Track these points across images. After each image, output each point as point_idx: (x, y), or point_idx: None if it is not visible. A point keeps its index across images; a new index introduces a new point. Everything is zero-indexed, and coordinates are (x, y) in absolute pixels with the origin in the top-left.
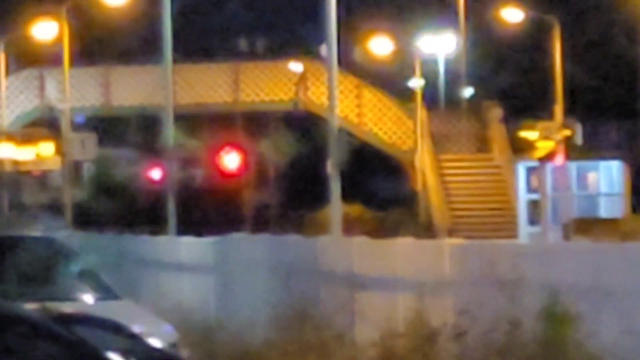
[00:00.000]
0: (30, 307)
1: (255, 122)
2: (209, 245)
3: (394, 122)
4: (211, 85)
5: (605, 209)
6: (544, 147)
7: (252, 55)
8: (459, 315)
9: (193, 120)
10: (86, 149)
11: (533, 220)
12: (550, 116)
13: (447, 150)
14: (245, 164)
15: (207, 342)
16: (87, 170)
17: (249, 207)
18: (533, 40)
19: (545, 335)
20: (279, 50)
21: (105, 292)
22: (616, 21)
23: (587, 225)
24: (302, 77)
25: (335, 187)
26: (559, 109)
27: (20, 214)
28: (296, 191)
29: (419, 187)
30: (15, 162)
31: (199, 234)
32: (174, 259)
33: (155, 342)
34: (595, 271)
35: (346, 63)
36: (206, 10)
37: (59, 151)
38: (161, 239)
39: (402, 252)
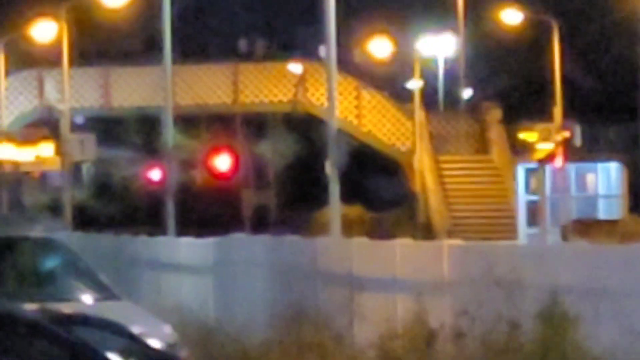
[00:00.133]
0: (29, 307)
1: (254, 123)
2: (208, 246)
3: (393, 123)
4: (210, 86)
5: (604, 211)
6: (543, 148)
7: (251, 56)
8: (458, 316)
9: (192, 121)
10: (85, 149)
11: (532, 222)
12: (549, 118)
13: (446, 151)
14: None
15: (206, 342)
16: (87, 171)
17: (248, 208)
18: (532, 41)
19: (544, 336)
20: (279, 51)
21: (105, 293)
22: (615, 23)
23: (586, 226)
24: (302, 79)
25: (334, 188)
26: (557, 110)
27: (20, 214)
28: (295, 192)
29: (417, 188)
30: (15, 163)
31: (198, 234)
32: (173, 260)
33: (154, 343)
34: (594, 272)
35: (345, 64)
36: (206, 11)
37: (59, 152)
38: (160, 240)
39: (401, 253)
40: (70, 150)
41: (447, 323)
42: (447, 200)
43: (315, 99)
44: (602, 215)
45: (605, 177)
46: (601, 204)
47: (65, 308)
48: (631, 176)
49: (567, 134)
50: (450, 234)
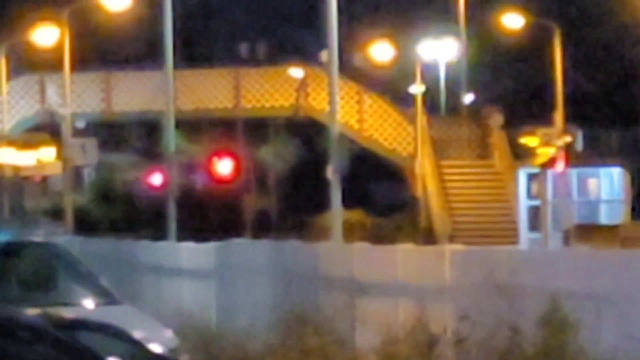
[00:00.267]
0: (31, 312)
1: (256, 128)
2: (209, 250)
3: (394, 128)
4: (212, 90)
5: (606, 216)
6: (544, 153)
7: (253, 61)
8: (459, 321)
9: (194, 126)
10: (87, 154)
11: (534, 227)
12: (550, 122)
13: (448, 156)
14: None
15: (207, 347)
16: (88, 175)
17: (249, 213)
18: (533, 46)
19: (545, 341)
20: (280, 56)
21: (106, 297)
22: (617, 27)
23: (588, 231)
24: (303, 83)
25: (335, 193)
26: (559, 115)
27: (21, 219)
28: (297, 197)
29: (419, 193)
30: (16, 167)
31: (199, 239)
32: (174, 264)
33: (156, 348)
34: (595, 277)
35: (347, 69)
36: (207, 16)
37: (60, 156)
38: (162, 244)
39: (402, 258)
40: (72, 154)
41: (449, 328)
42: (448, 205)
43: (317, 103)
44: (604, 220)
45: (607, 182)
46: (603, 209)
47: (67, 313)
48: (633, 181)
49: (568, 138)
50: (452, 238)
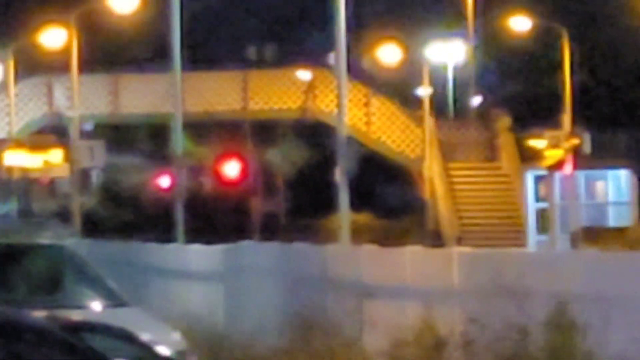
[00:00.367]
0: (38, 314)
1: (264, 130)
2: (217, 253)
3: (402, 130)
4: (220, 93)
5: (614, 218)
6: (552, 155)
7: (261, 63)
8: (467, 323)
9: (201, 128)
10: (95, 156)
11: (541, 229)
12: (558, 125)
13: (456, 158)
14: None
15: (215, 349)
16: (96, 177)
17: (257, 215)
18: (541, 48)
19: (553, 344)
20: (288, 58)
21: (114, 300)
22: (625, 30)
23: (595, 234)
24: (311, 86)
25: (343, 195)
26: (567, 117)
27: (29, 221)
28: (305, 199)
29: (427, 195)
30: (24, 169)
31: (207, 241)
32: (182, 267)
33: (164, 350)
34: (603, 280)
35: (355, 71)
36: (215, 19)
37: (68, 158)
38: (169, 247)
39: (410, 260)
40: (80, 157)
41: (457, 330)
42: (456, 207)
43: (325, 105)
44: (611, 222)
45: (615, 185)
46: (611, 211)
47: (74, 315)
48: None
49: (576, 141)
50: (460, 241)
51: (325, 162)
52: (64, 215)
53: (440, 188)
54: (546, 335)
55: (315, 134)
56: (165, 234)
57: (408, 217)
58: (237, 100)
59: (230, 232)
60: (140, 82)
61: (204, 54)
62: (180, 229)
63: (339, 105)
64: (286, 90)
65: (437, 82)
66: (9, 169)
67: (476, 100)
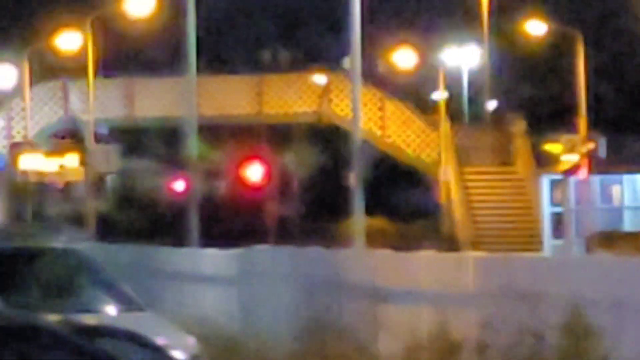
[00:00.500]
0: (52, 318)
1: (278, 134)
2: (231, 257)
3: (417, 134)
4: (234, 97)
5: (629, 222)
6: (568, 160)
7: (275, 67)
8: (482, 328)
9: (216, 132)
10: (109, 160)
11: (557, 233)
12: (574, 129)
13: (471, 163)
14: (268, 176)
15: (229, 354)
16: (111, 181)
17: (271, 219)
18: (556, 53)
19: (568, 348)
20: (303, 62)
21: (128, 304)
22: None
23: (611, 238)
24: (326, 90)
25: (358, 200)
26: (582, 122)
27: (43, 224)
28: (319, 203)
29: (442, 199)
30: (40, 173)
31: (221, 245)
32: (196, 271)
33: (179, 355)
34: (617, 285)
35: (370, 75)
36: (230, 22)
37: (83, 162)
38: (184, 251)
39: (425, 264)
40: (95, 161)
41: (471, 335)
42: (471, 211)
43: (340, 110)
44: (627, 227)
45: (631, 189)
46: (627, 216)
47: (89, 319)
48: None
49: (591, 145)
50: (475, 245)
51: (340, 166)
52: (78, 219)
53: (455, 192)
54: (561, 340)
55: (330, 138)
56: (179, 238)
57: (423, 221)
58: (251, 104)
59: (244, 236)
60: (156, 86)
61: (219, 58)
62: (194, 233)
63: (354, 110)
64: (301, 95)
65: (453, 86)
66: (25, 173)
67: (491, 105)
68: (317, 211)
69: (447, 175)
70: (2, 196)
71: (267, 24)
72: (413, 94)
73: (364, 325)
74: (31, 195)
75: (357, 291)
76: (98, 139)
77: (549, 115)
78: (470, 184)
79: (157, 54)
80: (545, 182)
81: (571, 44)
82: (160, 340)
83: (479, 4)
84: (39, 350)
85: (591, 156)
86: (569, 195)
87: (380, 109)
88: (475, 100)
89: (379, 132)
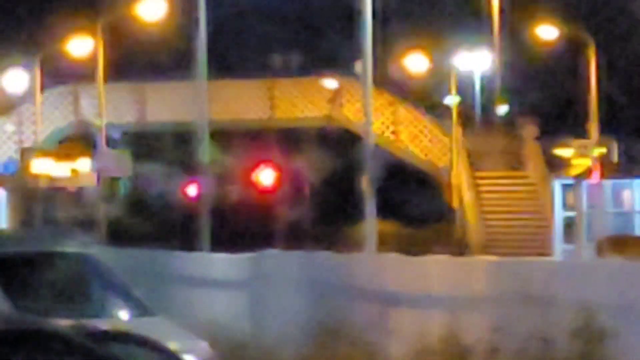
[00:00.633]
0: (64, 323)
1: (289, 139)
2: (242, 261)
3: (429, 139)
4: (246, 101)
5: None
6: (579, 164)
7: (286, 71)
8: (493, 332)
9: (227, 137)
10: (121, 165)
11: (569, 238)
12: (585, 133)
13: (482, 167)
14: (280, 180)
15: (240, 358)
16: (123, 186)
17: (282, 224)
18: (568, 57)
19: (578, 352)
20: (314, 66)
21: (140, 309)
22: None
23: (622, 242)
24: (337, 94)
25: (370, 204)
26: (594, 126)
27: (54, 229)
28: (330, 208)
29: (454, 204)
30: (51, 178)
31: (232, 250)
32: (207, 275)
33: (191, 359)
34: (628, 289)
35: (381, 80)
36: (241, 27)
37: (94, 167)
38: (195, 255)
39: (436, 269)
40: (106, 165)
41: (482, 339)
42: (482, 216)
43: (351, 114)
44: (638, 231)
45: None
46: (638, 220)
47: (101, 324)
48: None
49: (603, 149)
50: (486, 249)
51: (352, 171)
52: (89, 224)
53: (467, 196)
54: (571, 343)
55: (342, 143)
56: (190, 242)
57: (434, 225)
58: (262, 108)
59: (255, 241)
60: (167, 91)
61: (229, 62)
62: (205, 237)
63: (366, 114)
64: (312, 99)
65: (464, 90)
66: (36, 177)
67: (503, 109)
68: (328, 215)
69: (459, 179)
70: (13, 201)
71: (279, 28)
72: (425, 98)
73: (375, 330)
74: (42, 200)
75: (368, 295)
76: (110, 143)
77: (560, 119)
78: (481, 188)
79: (168, 59)
80: (556, 186)
81: (583, 48)
82: (172, 345)
83: (490, 9)
84: (50, 355)
85: (603, 161)
86: (581, 200)
87: (392, 113)
88: (486, 104)
89: (390, 137)
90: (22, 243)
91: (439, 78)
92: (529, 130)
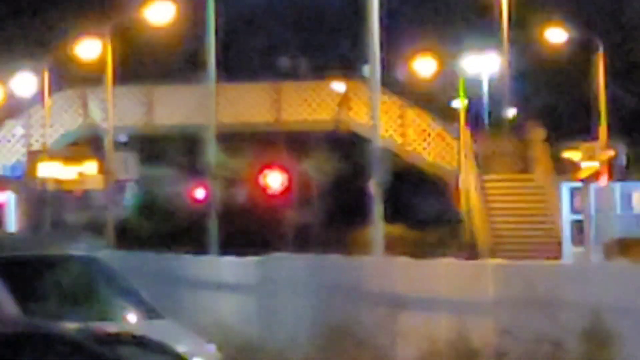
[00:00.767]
0: (72, 327)
1: (297, 142)
2: (250, 264)
3: (437, 142)
4: (253, 104)
5: None
6: (588, 167)
7: (294, 74)
8: (501, 335)
9: (235, 140)
10: (128, 168)
11: (577, 241)
12: (593, 136)
13: (491, 170)
14: (288, 184)
15: None
16: (130, 189)
17: (291, 227)
18: (576, 60)
19: (587, 356)
20: (322, 70)
21: (149, 312)
22: None
23: (630, 245)
24: (345, 97)
25: (377, 207)
26: (602, 129)
27: (62, 232)
28: (338, 211)
29: (462, 207)
30: (59, 181)
31: (240, 253)
32: (215, 279)
33: None
34: (636, 291)
35: (389, 83)
36: (249, 30)
37: (102, 170)
38: (203, 259)
39: (444, 272)
40: (114, 168)
41: (490, 342)
42: (490, 219)
43: (359, 117)
44: None
45: None
46: None
47: (110, 328)
48: None
49: (611, 152)
50: (494, 253)
51: (359, 174)
52: (97, 227)
53: (475, 200)
54: (579, 346)
55: (349, 146)
56: (198, 245)
57: (442, 229)
58: (270, 111)
59: (263, 244)
60: (175, 94)
61: (237, 65)
62: (213, 240)
63: (374, 117)
64: (320, 102)
65: (472, 94)
66: (44, 181)
67: (511, 112)
68: (336, 219)
69: (467, 182)
70: (21, 204)
71: (286, 31)
72: (433, 101)
73: (383, 333)
74: (50, 203)
75: (376, 298)
76: (117, 146)
77: (568, 122)
78: (489, 191)
79: (176, 62)
80: (564, 189)
81: (591, 51)
82: (181, 348)
83: (499, 12)
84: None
85: (611, 164)
86: (589, 202)
87: (400, 116)
88: (495, 107)
89: (398, 140)
90: (31, 246)
91: (447, 81)
92: (537, 133)
